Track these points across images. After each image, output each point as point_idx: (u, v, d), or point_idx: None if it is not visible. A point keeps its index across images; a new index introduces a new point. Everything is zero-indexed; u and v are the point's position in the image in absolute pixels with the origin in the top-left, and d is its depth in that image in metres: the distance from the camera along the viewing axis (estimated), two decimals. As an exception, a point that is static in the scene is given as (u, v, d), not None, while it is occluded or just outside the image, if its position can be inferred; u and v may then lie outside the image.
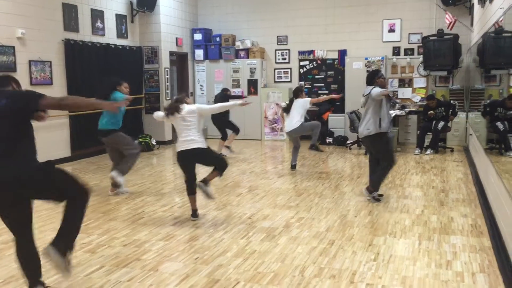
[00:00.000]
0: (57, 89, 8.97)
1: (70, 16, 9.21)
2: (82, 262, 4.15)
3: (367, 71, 11.07)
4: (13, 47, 8.02)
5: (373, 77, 6.02)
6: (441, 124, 9.57)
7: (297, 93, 8.14)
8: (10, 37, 7.97)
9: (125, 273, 3.91)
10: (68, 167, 8.72)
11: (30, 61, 8.35)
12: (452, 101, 10.30)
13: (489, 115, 6.66)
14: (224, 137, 9.73)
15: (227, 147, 9.75)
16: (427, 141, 9.82)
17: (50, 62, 8.79)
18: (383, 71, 11.08)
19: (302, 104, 7.95)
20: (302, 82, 12.11)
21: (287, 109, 8.11)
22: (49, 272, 3.91)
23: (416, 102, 11.20)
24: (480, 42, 7.43)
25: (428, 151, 9.63)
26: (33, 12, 8.41)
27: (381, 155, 6.03)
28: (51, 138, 8.83)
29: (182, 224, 5.19)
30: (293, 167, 8.18)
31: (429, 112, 9.72)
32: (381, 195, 6.15)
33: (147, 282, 3.72)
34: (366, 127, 5.89)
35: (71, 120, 9.28)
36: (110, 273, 3.91)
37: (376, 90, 5.75)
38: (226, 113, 9.66)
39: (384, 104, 5.86)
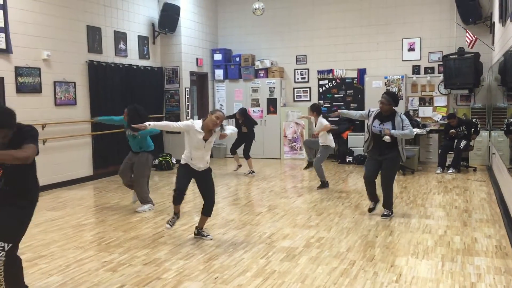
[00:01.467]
0: (81, 109, 9.15)
1: (94, 38, 9.44)
2: (103, 280, 4.18)
3: (387, 89, 11.07)
4: (39, 69, 8.24)
5: (398, 101, 6.14)
6: (463, 143, 9.45)
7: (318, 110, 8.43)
8: (36, 58, 8.20)
9: (146, 292, 3.92)
10: (90, 186, 8.85)
11: (55, 82, 8.56)
12: (474, 120, 10.18)
13: (513, 134, 6.56)
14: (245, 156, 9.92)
15: (239, 165, 10.04)
16: (448, 160, 9.69)
17: (74, 83, 8.99)
18: (402, 90, 11.07)
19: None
20: (322, 101, 12.14)
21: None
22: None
23: (437, 121, 11.09)
24: (502, 60, 7.37)
25: (450, 170, 9.50)
26: (59, 34, 8.65)
27: (391, 176, 6.32)
28: (74, 157, 8.98)
29: (202, 243, 5.20)
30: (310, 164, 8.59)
31: (451, 131, 9.62)
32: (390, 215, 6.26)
33: (167, 302, 3.73)
34: (402, 153, 6.16)
35: (93, 139, 9.44)
36: (130, 292, 3.93)
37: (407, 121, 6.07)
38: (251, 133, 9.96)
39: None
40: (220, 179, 9.38)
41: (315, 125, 8.29)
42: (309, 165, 8.72)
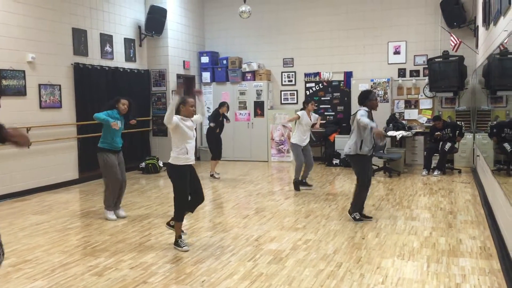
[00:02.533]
0: (66, 112, 9.08)
1: (79, 40, 9.37)
2: (89, 285, 4.14)
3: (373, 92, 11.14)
4: (24, 71, 8.16)
5: (365, 98, 6.09)
6: (448, 145, 9.56)
7: (303, 105, 8.36)
8: (21, 61, 8.12)
9: (132, 296, 3.89)
10: (75, 189, 8.77)
11: (40, 85, 8.48)
12: (458, 122, 10.30)
13: (496, 136, 6.64)
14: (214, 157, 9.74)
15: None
16: (434, 162, 9.79)
17: (60, 85, 8.92)
18: (388, 92, 11.17)
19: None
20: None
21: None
22: (56, 295, 3.91)
23: (423, 123, 11.20)
24: (486, 63, 7.47)
25: (436, 172, 9.60)
26: (43, 37, 8.58)
27: (356, 176, 6.19)
28: (59, 161, 8.91)
29: (189, 247, 5.18)
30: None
31: (436, 133, 9.72)
32: (366, 217, 6.19)
33: (154, 305, 3.71)
34: (348, 146, 6.09)
35: (79, 142, 9.37)
36: (117, 296, 3.90)
37: (361, 113, 5.88)
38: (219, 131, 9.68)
39: (368, 130, 5.94)
40: (207, 182, 9.36)
41: (311, 118, 8.25)
42: (301, 183, 8.39)
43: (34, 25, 8.39)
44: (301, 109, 8.37)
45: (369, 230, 5.72)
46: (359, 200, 6.18)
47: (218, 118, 9.64)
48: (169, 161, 5.06)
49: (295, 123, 8.28)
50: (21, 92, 8.12)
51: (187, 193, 5.09)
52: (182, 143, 4.98)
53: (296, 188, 8.21)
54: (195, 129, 5.20)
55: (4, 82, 7.81)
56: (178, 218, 5.11)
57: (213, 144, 9.75)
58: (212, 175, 9.63)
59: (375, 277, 4.20)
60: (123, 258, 4.84)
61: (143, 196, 8.03)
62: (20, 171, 8.12)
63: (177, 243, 5.10)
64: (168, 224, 5.38)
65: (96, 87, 9.65)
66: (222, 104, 9.78)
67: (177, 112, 5.00)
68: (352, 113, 6.25)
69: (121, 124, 6.49)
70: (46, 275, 4.40)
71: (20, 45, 8.13)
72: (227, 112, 9.88)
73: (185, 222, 6.22)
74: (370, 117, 6.04)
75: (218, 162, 9.89)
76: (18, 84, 8.07)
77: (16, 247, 5.27)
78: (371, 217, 6.30)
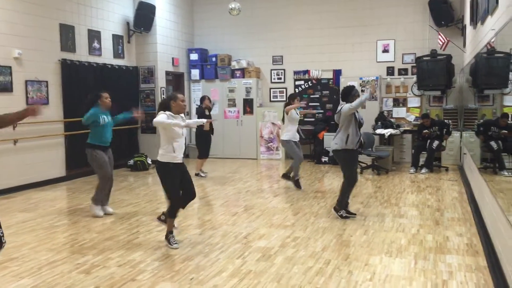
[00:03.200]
0: (53, 109, 8.99)
1: (67, 36, 9.28)
2: (76, 283, 4.11)
3: (362, 90, 11.20)
4: (10, 67, 8.06)
5: (348, 94, 6.15)
6: (436, 143, 9.63)
7: (288, 101, 8.25)
8: (7, 57, 8.02)
9: (120, 294, 3.87)
10: (62, 187, 8.69)
11: (26, 81, 8.38)
12: (446, 121, 10.39)
13: (483, 134, 6.71)
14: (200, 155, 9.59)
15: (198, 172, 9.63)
16: (422, 160, 9.87)
17: (47, 82, 8.82)
18: (377, 91, 11.22)
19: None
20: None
21: (283, 119, 8.34)
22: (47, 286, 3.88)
23: (411, 122, 11.28)
24: (473, 62, 7.53)
25: (423, 170, 9.67)
26: (30, 32, 8.48)
27: (342, 171, 6.24)
28: (46, 158, 8.82)
29: (178, 244, 5.16)
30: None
31: (424, 131, 9.79)
32: (351, 214, 6.22)
33: (142, 303, 3.69)
34: (335, 142, 6.16)
35: (66, 139, 9.28)
36: (104, 294, 3.88)
37: (346, 108, 6.00)
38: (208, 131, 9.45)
39: (353, 122, 6.03)
40: (196, 179, 9.33)
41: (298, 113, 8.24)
42: (286, 177, 8.39)
43: (20, 21, 8.29)
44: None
45: (357, 227, 5.75)
46: (345, 196, 6.22)
47: (205, 114, 9.43)
48: (157, 158, 5.05)
49: (283, 119, 8.23)
50: (7, 88, 8.02)
51: (177, 190, 5.06)
52: (169, 141, 4.95)
53: (297, 186, 8.14)
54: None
55: (-10, 78, 7.71)
56: (170, 214, 5.09)
57: (202, 142, 9.52)
58: (197, 174, 9.45)
59: (363, 274, 4.22)
60: (111, 255, 4.81)
61: (132, 194, 7.98)
62: (6, 168, 8.02)
63: (168, 239, 5.07)
64: (158, 218, 5.37)
65: (84, 84, 9.55)
66: (202, 99, 9.52)
67: (167, 108, 4.96)
68: (337, 111, 6.25)
69: (109, 119, 6.44)
70: (33, 273, 4.36)
71: (7, 40, 8.02)
72: (211, 105, 9.63)
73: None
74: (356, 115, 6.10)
75: (205, 160, 9.73)
76: (5, 80, 7.97)
77: (2, 245, 5.21)
78: (355, 214, 6.33)
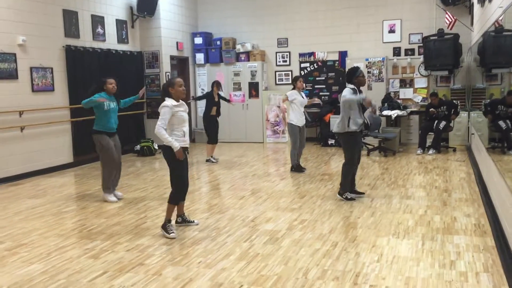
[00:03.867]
0: (59, 95, 9.00)
1: (70, 22, 9.24)
2: (85, 267, 4.15)
3: (368, 72, 11.11)
4: (14, 54, 8.05)
5: (352, 75, 6.05)
6: (443, 123, 9.55)
7: (293, 82, 8.24)
8: (11, 44, 8.01)
9: (129, 278, 3.90)
10: (70, 173, 8.75)
11: (31, 68, 8.38)
12: (454, 101, 10.29)
13: (491, 114, 6.64)
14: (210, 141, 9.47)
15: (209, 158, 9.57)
16: (429, 141, 9.81)
17: (52, 68, 8.81)
18: (383, 72, 11.12)
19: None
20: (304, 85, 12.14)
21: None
22: (53, 278, 3.92)
23: (418, 102, 11.19)
24: (481, 41, 7.43)
25: (430, 151, 9.61)
26: (34, 19, 8.45)
27: (344, 154, 6.20)
28: (53, 144, 8.86)
29: (185, 228, 5.19)
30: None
31: (430, 109, 9.71)
32: (359, 193, 6.28)
33: (150, 287, 3.72)
34: (337, 124, 6.10)
35: (73, 126, 9.30)
36: (113, 278, 3.91)
37: (344, 93, 5.92)
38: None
39: (355, 105, 5.93)
40: (202, 164, 9.36)
41: (303, 96, 8.15)
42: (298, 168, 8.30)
43: (24, 7, 8.25)
44: (292, 89, 8.18)
45: (364, 209, 5.74)
46: (347, 179, 6.17)
47: (213, 100, 9.36)
48: (164, 143, 4.93)
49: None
50: (12, 75, 8.03)
51: (185, 174, 5.02)
52: (179, 126, 4.86)
53: (298, 170, 8.12)
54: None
55: (-5, 66, 7.71)
56: (174, 200, 5.03)
57: (210, 127, 9.35)
58: (208, 160, 9.43)
59: (371, 256, 4.22)
60: (119, 240, 4.85)
61: (139, 179, 8.02)
62: (14, 156, 8.07)
63: (165, 228, 4.94)
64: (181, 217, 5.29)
65: (88, 70, 9.54)
66: (213, 85, 9.39)
67: (168, 94, 4.85)
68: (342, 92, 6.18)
69: (114, 105, 6.43)
70: (42, 258, 4.40)
71: (11, 27, 8.00)
72: (221, 91, 9.56)
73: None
74: (358, 94, 6.03)
75: (215, 146, 9.56)
76: (9, 67, 7.97)
77: (11, 231, 5.26)
78: (363, 193, 6.32)
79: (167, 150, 4.87)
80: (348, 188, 6.19)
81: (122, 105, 6.70)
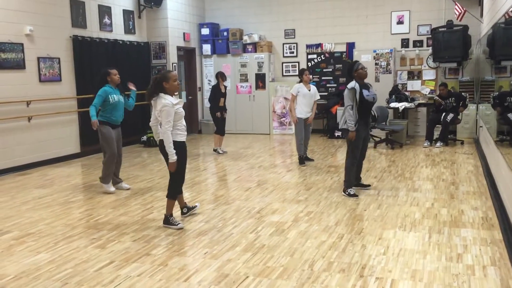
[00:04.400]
0: (66, 86, 9.01)
1: (77, 12, 9.23)
2: (92, 257, 4.17)
3: (376, 63, 11.04)
4: (22, 44, 8.06)
5: (351, 71, 5.99)
6: (451, 116, 9.48)
7: (299, 76, 8.15)
8: (19, 34, 8.01)
9: (135, 268, 3.92)
10: (77, 163, 8.78)
11: (38, 58, 8.39)
12: (463, 94, 10.20)
13: (500, 106, 6.58)
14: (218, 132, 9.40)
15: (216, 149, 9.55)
16: (436, 133, 9.74)
17: (59, 58, 8.82)
18: (391, 63, 11.04)
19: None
20: (311, 76, 12.08)
21: None
22: (60, 268, 3.95)
23: (425, 95, 11.11)
24: (490, 33, 7.34)
25: (438, 144, 9.56)
26: (41, 9, 8.44)
27: (347, 149, 6.09)
28: (60, 134, 8.89)
29: (191, 219, 5.20)
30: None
31: (435, 97, 9.67)
32: (364, 186, 6.25)
33: (156, 277, 3.73)
34: (343, 120, 6.01)
35: (80, 116, 9.32)
36: (120, 268, 3.93)
37: (347, 101, 5.86)
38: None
39: (355, 102, 5.83)
40: (209, 155, 9.37)
41: (310, 89, 8.06)
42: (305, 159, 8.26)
43: (31, -3, 8.25)
44: (299, 82, 8.12)
45: (370, 201, 5.72)
46: (349, 175, 6.04)
47: (220, 92, 9.29)
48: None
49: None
50: (20, 65, 8.04)
51: (185, 169, 4.97)
52: (179, 121, 4.79)
53: (301, 162, 8.10)
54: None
55: (3, 55, 7.72)
56: (173, 195, 4.96)
57: (218, 119, 9.32)
58: (216, 150, 9.45)
59: (377, 248, 4.21)
60: (126, 230, 4.87)
61: (145, 170, 8.03)
62: (21, 145, 8.11)
63: (168, 221, 4.90)
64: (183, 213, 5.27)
65: (95, 60, 9.54)
66: (217, 76, 9.32)
67: (161, 89, 4.71)
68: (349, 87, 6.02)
69: (119, 98, 6.40)
70: (49, 247, 4.43)
71: (18, 17, 8.00)
72: (225, 82, 9.51)
73: (187, 194, 6.25)
74: (365, 88, 5.93)
75: (222, 138, 9.48)
76: (17, 57, 7.98)
77: (19, 220, 5.30)
78: (369, 185, 6.29)
79: (174, 144, 4.78)
80: (351, 183, 6.06)
81: (131, 107, 6.63)
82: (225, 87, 9.42)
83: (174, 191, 4.98)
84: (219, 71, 9.83)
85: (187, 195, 6.30)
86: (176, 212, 5.23)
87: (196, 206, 5.41)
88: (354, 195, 5.94)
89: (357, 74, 5.94)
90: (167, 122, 4.64)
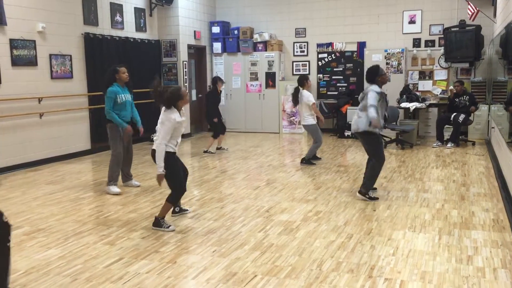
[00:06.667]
0: (77, 83, 9.07)
1: (89, 10, 9.28)
2: (101, 253, 4.20)
3: (387, 63, 10.98)
4: (34, 41, 8.12)
5: (375, 75, 5.71)
6: (462, 116, 9.39)
7: (302, 82, 7.94)
8: (31, 31, 8.07)
9: (144, 265, 3.94)
10: (88, 160, 8.83)
11: (50, 55, 8.44)
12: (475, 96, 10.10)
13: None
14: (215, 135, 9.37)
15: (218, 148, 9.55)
16: (447, 134, 9.67)
17: (70, 55, 8.88)
18: (402, 63, 10.97)
19: (305, 100, 7.83)
20: (321, 75, 12.05)
21: (294, 101, 8.00)
22: (69, 263, 3.97)
23: (437, 95, 11.02)
24: (504, 33, 7.26)
25: (449, 145, 9.48)
26: (53, 6, 8.50)
27: (369, 153, 5.90)
28: (71, 131, 8.95)
29: (200, 217, 5.21)
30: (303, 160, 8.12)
31: (450, 88, 9.70)
32: (374, 198, 5.81)
33: (165, 274, 3.75)
34: (357, 124, 5.74)
35: (91, 113, 9.38)
36: (129, 265, 3.95)
37: (372, 101, 5.50)
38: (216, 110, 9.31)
39: (378, 105, 5.59)
40: (217, 154, 9.37)
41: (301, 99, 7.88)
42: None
43: (43, -6, 8.31)
44: (304, 89, 7.91)
45: (380, 202, 5.69)
46: (375, 179, 5.88)
47: (218, 98, 9.35)
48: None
49: (295, 100, 7.94)
50: (32, 62, 8.11)
51: (182, 177, 4.94)
52: (176, 137, 4.81)
53: (313, 160, 8.09)
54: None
55: (15, 52, 7.79)
56: (174, 200, 4.93)
57: (217, 121, 9.26)
58: (219, 148, 9.47)
59: (386, 249, 4.19)
60: (135, 227, 4.89)
61: (154, 167, 7.98)
62: (33, 142, 8.17)
63: (159, 224, 4.80)
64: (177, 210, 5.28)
65: (107, 57, 9.57)
66: (215, 81, 9.31)
67: (175, 105, 4.76)
68: (364, 88, 5.88)
69: (127, 98, 6.35)
70: (60, 243, 4.46)
71: (30, 14, 8.06)
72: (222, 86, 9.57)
73: (196, 193, 6.26)
74: (384, 96, 5.70)
75: (215, 140, 9.39)
76: (29, 54, 8.05)
77: (29, 216, 5.35)
78: (375, 188, 6.12)
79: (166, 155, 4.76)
80: (371, 187, 5.90)
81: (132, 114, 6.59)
82: (220, 91, 9.49)
83: (177, 197, 4.97)
84: (216, 75, 9.90)
85: (196, 192, 6.32)
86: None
87: (187, 210, 5.35)
88: (375, 198, 5.78)
89: (381, 79, 5.71)
90: (165, 136, 4.67)
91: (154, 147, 4.81)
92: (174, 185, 4.88)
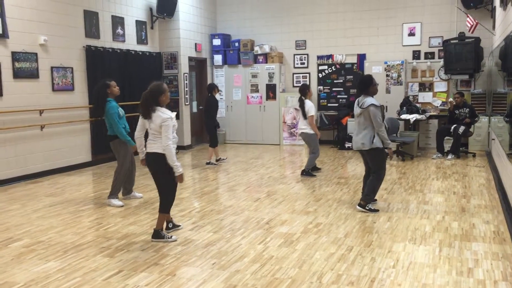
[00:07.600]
0: (79, 95, 9.11)
1: (91, 23, 9.35)
2: (100, 266, 4.18)
3: (387, 75, 11.02)
4: (36, 54, 8.17)
5: (368, 85, 5.70)
6: (462, 128, 9.40)
7: (304, 92, 8.00)
8: (33, 44, 8.13)
9: (143, 277, 3.92)
10: (88, 172, 8.84)
11: (52, 68, 8.49)
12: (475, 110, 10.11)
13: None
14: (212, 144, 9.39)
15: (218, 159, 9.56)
16: (448, 146, 9.67)
17: (72, 68, 8.93)
18: (402, 75, 11.01)
19: (306, 110, 7.88)
20: (321, 87, 12.09)
21: (303, 112, 7.98)
22: (68, 276, 3.96)
23: (437, 107, 11.04)
24: (503, 45, 7.29)
25: (449, 156, 9.48)
26: (55, 19, 8.57)
27: (373, 167, 5.85)
28: (72, 143, 8.96)
29: (200, 229, 5.20)
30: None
31: (450, 100, 9.70)
32: (374, 210, 5.79)
33: (164, 287, 3.73)
34: (361, 141, 5.70)
35: (91, 125, 9.40)
36: (128, 277, 3.93)
37: (375, 112, 5.54)
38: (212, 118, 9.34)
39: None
40: (218, 166, 9.37)
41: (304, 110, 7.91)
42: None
43: (46, 7, 8.37)
44: (306, 98, 7.99)
45: (380, 214, 5.68)
46: (375, 193, 5.89)
47: (217, 103, 9.46)
48: (154, 150, 4.71)
49: (303, 107, 7.97)
50: (33, 74, 8.15)
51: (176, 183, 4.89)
52: (172, 134, 4.75)
53: (313, 170, 8.11)
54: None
55: (17, 65, 7.83)
56: (166, 209, 4.90)
57: (214, 131, 9.36)
58: (218, 159, 9.51)
59: (386, 261, 4.17)
60: (135, 240, 4.88)
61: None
62: (33, 154, 8.19)
63: (159, 236, 4.80)
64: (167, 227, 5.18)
65: (108, 70, 9.62)
66: (211, 88, 9.42)
67: (157, 103, 4.69)
68: (358, 104, 5.79)
69: (123, 111, 6.36)
70: (59, 256, 4.45)
71: (32, 27, 8.13)
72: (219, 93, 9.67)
73: (196, 204, 6.26)
74: (382, 109, 5.75)
75: (216, 149, 9.48)
76: (31, 66, 8.09)
77: (29, 228, 5.34)
78: (375, 200, 6.13)
79: (161, 161, 4.67)
80: (372, 200, 5.91)
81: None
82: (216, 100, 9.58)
83: (168, 205, 4.92)
84: (212, 82, 9.98)
85: (196, 204, 6.31)
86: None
87: (179, 226, 5.27)
88: (376, 210, 5.77)
89: (373, 90, 5.72)
90: (167, 137, 4.61)
91: (149, 150, 4.75)
92: (168, 192, 4.85)
